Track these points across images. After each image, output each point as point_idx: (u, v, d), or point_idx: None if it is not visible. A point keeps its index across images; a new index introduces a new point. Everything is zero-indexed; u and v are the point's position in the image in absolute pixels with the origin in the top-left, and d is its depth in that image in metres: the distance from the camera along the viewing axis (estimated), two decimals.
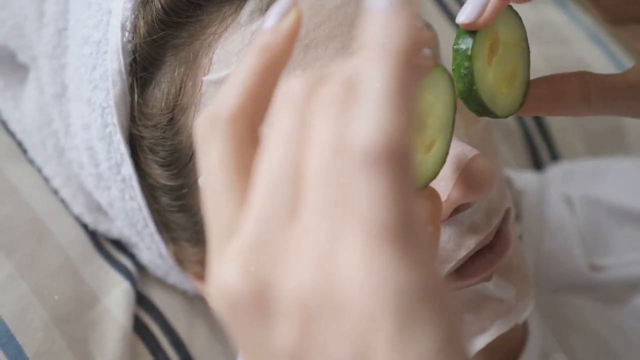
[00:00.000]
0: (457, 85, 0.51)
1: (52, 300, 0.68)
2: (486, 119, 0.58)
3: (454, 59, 0.51)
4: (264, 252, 0.35)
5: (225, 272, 0.36)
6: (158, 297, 0.73)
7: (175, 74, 0.57)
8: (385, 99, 0.33)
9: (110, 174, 0.64)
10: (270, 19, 0.43)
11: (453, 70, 0.51)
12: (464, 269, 0.57)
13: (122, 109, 0.60)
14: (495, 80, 0.52)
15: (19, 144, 0.76)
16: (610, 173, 0.83)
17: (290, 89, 0.38)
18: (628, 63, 0.93)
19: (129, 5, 0.58)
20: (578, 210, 0.79)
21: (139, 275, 0.73)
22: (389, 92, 0.33)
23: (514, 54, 0.54)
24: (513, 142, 0.91)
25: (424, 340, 0.33)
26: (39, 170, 0.75)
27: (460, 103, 0.53)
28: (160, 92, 0.58)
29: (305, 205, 0.35)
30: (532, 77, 0.54)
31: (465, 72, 0.51)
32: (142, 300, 0.73)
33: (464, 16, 0.49)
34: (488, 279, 0.57)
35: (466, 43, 0.51)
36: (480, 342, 0.58)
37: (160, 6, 0.57)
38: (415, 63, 0.34)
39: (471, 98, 0.51)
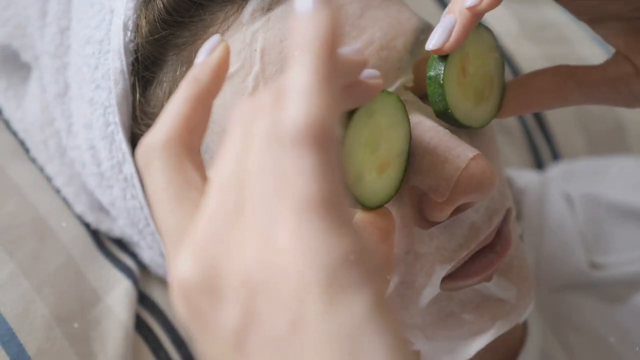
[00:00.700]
0: (434, 108, 0.55)
1: (53, 299, 0.68)
2: None
3: (428, 85, 0.55)
4: (214, 244, 0.38)
5: (180, 265, 0.39)
6: (159, 296, 0.73)
7: (177, 73, 0.57)
8: (308, 87, 0.37)
9: (112, 173, 0.64)
10: (201, 55, 0.48)
11: (428, 95, 0.55)
12: (465, 269, 0.57)
13: (124, 108, 0.60)
14: (468, 99, 0.56)
15: (21, 143, 0.76)
16: (611, 172, 0.83)
17: (238, 109, 0.41)
18: None
19: (131, 4, 0.58)
20: (578, 209, 0.79)
21: (140, 274, 0.73)
22: (311, 81, 0.37)
23: (487, 66, 0.57)
24: (514, 141, 0.91)
25: (352, 306, 0.36)
26: (41, 170, 0.75)
27: None
28: (162, 91, 0.58)
29: (248, 196, 0.38)
30: None
31: (439, 98, 0.54)
32: (143, 299, 0.73)
33: (432, 43, 0.53)
34: (489, 279, 0.57)
35: (437, 70, 0.54)
36: (480, 342, 0.58)
37: (162, 5, 0.57)
38: (337, 58, 0.39)
39: (447, 118, 0.55)
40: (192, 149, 0.44)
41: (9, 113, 0.76)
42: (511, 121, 0.90)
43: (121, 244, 0.75)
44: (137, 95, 0.59)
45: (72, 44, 0.64)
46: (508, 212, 0.60)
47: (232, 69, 0.55)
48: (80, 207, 0.73)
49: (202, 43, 0.55)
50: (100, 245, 0.74)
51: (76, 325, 0.68)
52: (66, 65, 0.66)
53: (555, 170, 0.84)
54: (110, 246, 0.74)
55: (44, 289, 0.68)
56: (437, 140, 0.54)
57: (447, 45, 0.53)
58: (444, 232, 0.55)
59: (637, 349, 0.73)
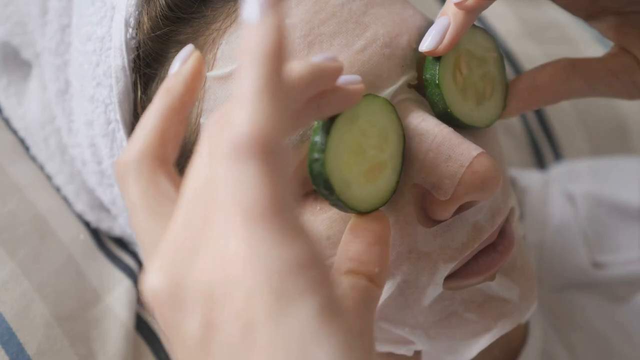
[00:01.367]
0: (434, 110, 0.56)
1: (54, 298, 0.68)
2: None
3: (426, 88, 0.56)
4: (179, 257, 0.40)
5: (149, 277, 0.41)
6: None
7: None
8: (251, 98, 0.38)
9: (112, 171, 0.63)
10: (174, 65, 0.49)
11: (428, 98, 0.56)
12: (468, 268, 0.57)
13: (126, 106, 0.59)
14: (468, 99, 0.56)
15: (21, 142, 0.76)
16: (613, 171, 0.83)
17: (208, 122, 0.42)
18: None
19: (133, 1, 0.57)
20: (581, 208, 0.79)
21: (141, 274, 0.73)
22: (254, 91, 0.38)
23: (486, 66, 0.58)
24: (517, 141, 0.91)
25: (299, 312, 0.37)
26: (42, 168, 0.75)
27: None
28: None
29: (209, 209, 0.40)
30: None
31: (437, 98, 0.55)
32: None
33: (426, 44, 0.54)
34: (492, 278, 0.57)
35: (433, 71, 0.55)
36: (483, 342, 0.58)
37: (164, 2, 0.56)
38: (282, 67, 0.39)
39: (448, 118, 0.56)
40: (166, 161, 0.46)
41: (9, 111, 0.75)
42: (514, 121, 0.90)
43: (121, 243, 0.75)
44: (139, 92, 0.59)
45: (73, 41, 0.64)
46: (511, 211, 0.60)
47: (234, 65, 0.55)
48: (80, 206, 0.73)
49: (205, 40, 0.56)
50: (101, 244, 0.74)
51: (76, 324, 0.68)
52: (67, 62, 0.66)
53: (557, 170, 0.84)
54: (111, 245, 0.74)
55: (44, 289, 0.68)
56: (441, 137, 0.54)
57: (441, 46, 0.54)
58: (447, 230, 0.55)
59: None
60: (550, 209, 0.79)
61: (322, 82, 0.46)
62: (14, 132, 0.76)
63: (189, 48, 0.50)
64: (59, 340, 0.67)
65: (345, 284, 0.49)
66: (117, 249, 0.74)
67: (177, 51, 0.57)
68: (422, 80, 0.57)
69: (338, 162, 0.50)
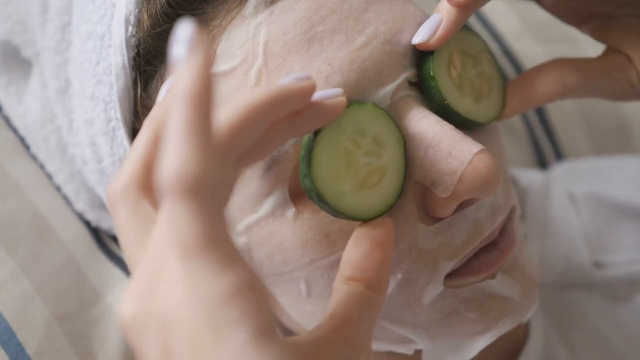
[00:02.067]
0: (432, 104, 0.56)
1: (54, 298, 0.68)
2: None
3: (423, 84, 0.56)
4: (145, 289, 0.43)
5: (122, 305, 0.44)
6: None
7: None
8: (178, 139, 0.40)
9: (113, 169, 0.63)
10: (161, 93, 0.53)
11: (425, 93, 0.56)
12: (469, 266, 0.56)
13: (126, 104, 0.59)
14: (465, 95, 0.57)
15: (22, 140, 0.76)
16: (615, 171, 0.83)
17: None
18: None
19: None
20: (582, 208, 0.79)
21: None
22: (182, 133, 0.40)
23: (481, 65, 0.59)
24: (518, 140, 0.90)
25: (230, 341, 0.40)
26: (42, 167, 0.75)
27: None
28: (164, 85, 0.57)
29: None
30: None
31: (434, 91, 0.56)
32: None
33: (418, 38, 0.55)
34: (492, 276, 0.57)
35: (427, 65, 0.56)
36: (483, 341, 0.58)
37: None
38: (209, 108, 0.41)
39: (446, 112, 0.56)
40: (151, 188, 0.48)
41: (9, 110, 0.75)
42: (515, 120, 0.90)
43: None
44: (139, 90, 0.59)
45: (74, 39, 0.64)
46: (512, 209, 0.60)
47: (234, 62, 0.54)
48: (81, 205, 0.73)
49: (205, 36, 0.55)
50: (101, 243, 0.74)
51: (76, 324, 0.68)
52: (67, 61, 0.66)
53: (558, 170, 0.84)
54: (111, 244, 0.74)
55: (44, 288, 0.68)
56: (442, 134, 0.53)
57: (433, 39, 0.55)
58: (448, 228, 0.55)
59: None
60: (552, 209, 0.79)
61: (290, 104, 0.48)
62: (14, 130, 0.76)
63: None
64: (58, 340, 0.67)
65: (341, 292, 0.49)
66: (118, 248, 0.74)
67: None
68: (428, 98, 0.57)
69: (326, 175, 0.51)
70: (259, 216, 0.56)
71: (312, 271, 0.56)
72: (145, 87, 0.58)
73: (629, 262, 0.76)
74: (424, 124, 0.54)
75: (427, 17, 0.58)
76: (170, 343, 0.42)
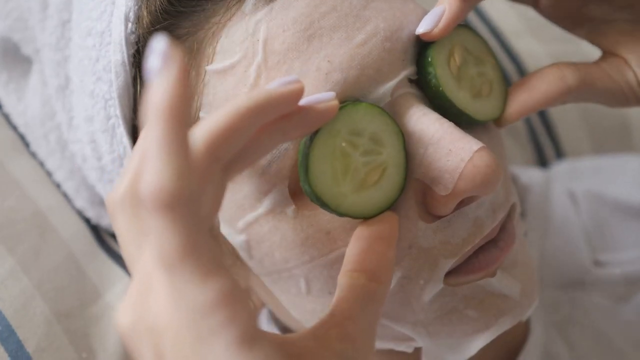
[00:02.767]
0: (428, 91, 0.56)
1: (53, 295, 0.68)
2: None
3: (421, 69, 0.56)
4: (139, 299, 0.44)
5: (120, 313, 0.45)
6: None
7: None
8: (154, 154, 0.41)
9: (113, 167, 0.63)
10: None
11: (422, 79, 0.56)
12: (468, 264, 0.56)
13: (125, 101, 0.59)
14: (463, 88, 0.57)
15: (21, 138, 0.76)
16: (616, 170, 0.83)
17: None
18: None
19: None
20: (583, 207, 0.78)
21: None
22: (156, 148, 0.41)
23: (483, 66, 0.59)
24: (518, 138, 0.90)
25: (213, 349, 0.42)
26: (42, 164, 0.74)
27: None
28: None
29: None
30: None
31: (429, 77, 0.56)
32: None
33: (422, 28, 0.56)
34: (492, 274, 0.57)
35: (427, 53, 0.56)
36: (483, 339, 0.58)
37: None
38: (184, 121, 0.42)
39: (441, 99, 0.56)
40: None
41: (9, 107, 0.75)
42: None
43: None
44: (139, 87, 0.59)
45: (73, 36, 0.64)
46: (512, 207, 0.59)
47: (234, 59, 0.54)
48: (80, 202, 0.73)
49: (204, 33, 0.55)
50: (101, 240, 0.74)
51: (76, 322, 0.68)
52: (67, 58, 0.66)
53: (559, 168, 0.84)
54: (111, 242, 0.74)
55: (44, 285, 0.68)
56: (442, 132, 0.53)
57: (436, 29, 0.56)
58: (448, 226, 0.55)
59: None
60: (552, 207, 0.79)
61: (276, 109, 0.48)
62: (14, 128, 0.76)
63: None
64: (58, 337, 0.67)
65: (343, 286, 0.50)
66: (118, 245, 0.74)
67: (177, 45, 0.56)
68: (425, 85, 0.57)
69: (324, 179, 0.52)
70: (259, 214, 0.56)
71: (311, 269, 0.56)
72: (144, 85, 0.58)
73: (629, 261, 0.76)
74: (424, 121, 0.54)
75: (426, 13, 0.58)
76: (162, 352, 0.43)
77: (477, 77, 0.58)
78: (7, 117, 0.76)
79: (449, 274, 0.56)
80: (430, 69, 0.56)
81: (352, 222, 0.54)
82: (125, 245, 0.47)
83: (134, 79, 0.59)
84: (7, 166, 0.73)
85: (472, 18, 0.94)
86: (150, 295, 0.44)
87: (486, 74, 0.59)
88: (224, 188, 0.48)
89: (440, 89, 0.55)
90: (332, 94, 0.51)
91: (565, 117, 0.91)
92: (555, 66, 0.59)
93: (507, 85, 0.60)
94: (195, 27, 0.56)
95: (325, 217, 0.54)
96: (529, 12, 0.95)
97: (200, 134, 0.45)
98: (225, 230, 0.58)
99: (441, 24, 0.55)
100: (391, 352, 0.61)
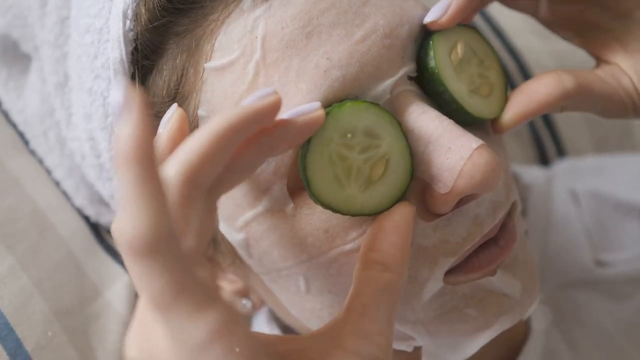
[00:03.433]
0: (424, 74, 0.56)
1: (53, 293, 0.68)
2: None
3: (421, 53, 0.56)
4: (143, 336, 0.45)
5: (127, 346, 0.46)
6: None
7: (177, 61, 0.56)
8: (127, 201, 0.40)
9: (111, 164, 0.63)
10: (162, 125, 0.53)
11: (419, 60, 0.56)
12: (469, 263, 0.56)
13: None
14: (460, 80, 0.57)
15: (21, 135, 0.76)
16: (617, 169, 0.82)
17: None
18: None
19: None
20: (584, 206, 0.78)
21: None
22: (128, 195, 0.40)
23: (486, 68, 0.59)
24: (520, 137, 0.90)
25: None
26: (41, 162, 0.74)
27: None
28: (162, 80, 0.57)
29: None
30: (537, 71, 0.56)
31: (427, 57, 0.56)
32: None
33: (430, 17, 0.56)
34: (493, 273, 0.57)
35: (430, 38, 0.56)
36: (483, 338, 0.57)
37: None
38: (152, 164, 0.41)
39: (434, 80, 0.56)
40: None
41: (9, 104, 0.75)
42: None
43: None
44: (137, 84, 0.58)
45: (72, 33, 0.64)
46: (513, 206, 0.59)
47: (232, 56, 0.54)
48: (80, 200, 0.73)
49: (203, 30, 0.55)
50: (100, 238, 0.74)
51: (75, 320, 0.68)
52: (66, 55, 0.66)
53: (561, 167, 0.84)
54: (110, 240, 0.74)
55: (43, 283, 0.68)
56: (441, 130, 0.53)
57: (444, 18, 0.56)
58: (447, 224, 0.55)
59: None
60: (554, 206, 0.79)
61: (253, 125, 0.48)
62: (14, 125, 0.76)
63: (172, 109, 0.53)
64: (57, 335, 0.67)
65: (358, 279, 0.50)
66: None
67: (175, 43, 0.56)
68: (422, 71, 0.56)
69: (329, 187, 0.52)
70: (258, 212, 0.55)
71: (310, 267, 0.56)
72: (143, 82, 0.58)
73: (631, 261, 0.76)
74: (424, 119, 0.54)
75: (427, 10, 0.58)
76: None
77: (478, 77, 0.58)
78: (6, 115, 0.76)
79: (449, 272, 0.56)
80: (430, 52, 0.56)
81: (350, 220, 0.54)
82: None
83: (132, 76, 0.58)
84: (6, 164, 0.73)
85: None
86: (152, 333, 0.44)
87: (488, 77, 0.59)
88: (213, 209, 0.48)
89: (437, 71, 0.55)
90: (317, 104, 0.51)
91: (566, 116, 0.91)
92: (553, 71, 0.59)
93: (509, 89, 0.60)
94: (193, 25, 0.56)
95: (323, 216, 0.54)
96: None
97: (176, 164, 0.45)
98: (224, 228, 0.58)
99: (449, 12, 0.56)
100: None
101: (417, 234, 0.55)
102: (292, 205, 0.54)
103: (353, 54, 0.53)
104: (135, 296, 0.72)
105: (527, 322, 0.72)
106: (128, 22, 0.57)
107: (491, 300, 0.57)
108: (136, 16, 0.57)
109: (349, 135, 0.52)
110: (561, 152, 0.91)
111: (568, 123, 0.91)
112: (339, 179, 0.52)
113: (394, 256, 0.50)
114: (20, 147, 0.75)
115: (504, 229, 0.57)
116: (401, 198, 0.54)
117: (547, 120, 0.92)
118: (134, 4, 0.57)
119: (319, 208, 0.54)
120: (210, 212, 0.47)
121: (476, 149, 0.52)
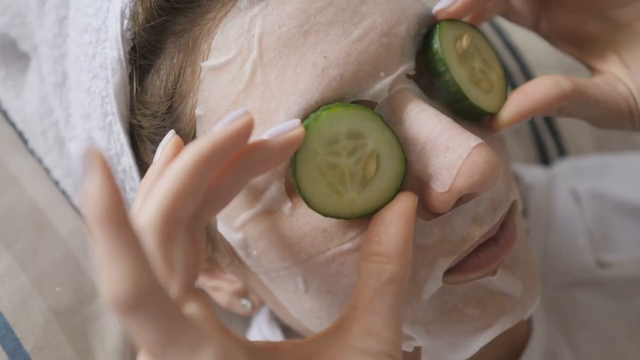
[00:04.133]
0: (427, 55, 0.56)
1: (52, 293, 0.68)
2: None
3: (427, 38, 0.57)
4: None
5: None
6: None
7: (174, 60, 0.56)
8: (104, 262, 0.40)
9: (110, 164, 0.63)
10: (157, 153, 0.53)
11: (425, 43, 0.57)
12: (468, 262, 0.56)
13: (122, 98, 0.59)
14: (462, 67, 0.57)
15: (20, 134, 0.75)
16: (618, 169, 0.82)
17: None
18: None
19: None
20: (586, 206, 0.78)
21: None
22: (104, 256, 0.40)
23: (490, 71, 0.59)
24: (521, 137, 0.90)
25: None
26: (40, 161, 0.74)
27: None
28: (159, 79, 0.57)
29: None
30: (538, 70, 0.56)
31: (433, 39, 0.57)
32: None
33: (440, 5, 0.57)
34: (493, 273, 0.56)
35: (437, 25, 0.57)
36: (484, 338, 0.57)
37: None
38: (124, 220, 0.40)
39: (437, 60, 0.56)
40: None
41: (7, 103, 0.75)
42: None
43: None
44: (134, 84, 0.58)
45: (70, 32, 0.64)
46: (513, 205, 0.59)
47: (229, 55, 0.54)
48: (79, 199, 0.73)
49: (200, 30, 0.55)
50: None
51: (74, 319, 0.68)
52: (64, 54, 0.66)
53: (562, 167, 0.84)
54: None
55: (42, 283, 0.68)
56: (440, 128, 0.53)
57: (454, 6, 0.57)
58: (447, 223, 0.54)
59: None
60: (555, 206, 0.79)
61: (228, 151, 0.47)
62: (12, 124, 0.76)
63: (169, 136, 0.53)
64: (56, 335, 0.66)
65: (361, 273, 0.50)
66: None
67: (173, 42, 0.56)
68: (422, 70, 0.56)
69: (327, 198, 0.52)
70: (255, 212, 0.55)
71: (309, 267, 0.55)
72: (140, 82, 0.58)
73: (633, 261, 0.76)
74: (422, 117, 0.54)
75: (425, 8, 0.58)
76: None
77: (480, 72, 0.58)
78: (5, 114, 0.76)
79: (448, 272, 0.56)
80: (436, 35, 0.56)
81: (348, 220, 0.54)
82: None
83: (130, 76, 0.58)
84: (5, 163, 0.73)
85: None
86: None
87: (490, 76, 0.59)
88: (199, 238, 0.48)
89: (440, 51, 0.55)
90: (296, 121, 0.50)
91: None
92: (551, 75, 0.60)
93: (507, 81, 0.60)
94: (190, 24, 0.55)
95: (321, 215, 0.54)
96: None
97: (152, 207, 0.45)
98: (222, 228, 0.57)
99: (458, 2, 0.56)
100: None
101: (416, 233, 0.54)
102: (289, 205, 0.54)
103: (351, 52, 0.53)
104: None
105: (528, 322, 0.71)
106: (125, 21, 0.57)
107: (491, 300, 0.57)
108: (133, 16, 0.57)
109: (334, 143, 0.52)
110: (562, 152, 0.91)
111: (569, 122, 0.91)
112: (334, 187, 0.52)
113: (396, 247, 0.50)
114: (19, 146, 0.75)
115: (504, 228, 0.57)
116: (401, 186, 0.53)
117: (548, 119, 0.91)
118: (132, 4, 0.57)
119: None
120: (197, 242, 0.47)
121: (475, 147, 0.52)
